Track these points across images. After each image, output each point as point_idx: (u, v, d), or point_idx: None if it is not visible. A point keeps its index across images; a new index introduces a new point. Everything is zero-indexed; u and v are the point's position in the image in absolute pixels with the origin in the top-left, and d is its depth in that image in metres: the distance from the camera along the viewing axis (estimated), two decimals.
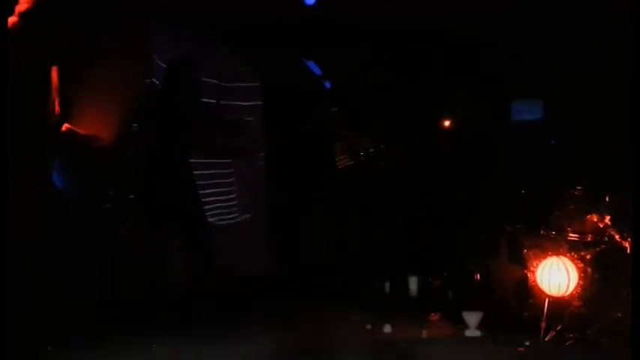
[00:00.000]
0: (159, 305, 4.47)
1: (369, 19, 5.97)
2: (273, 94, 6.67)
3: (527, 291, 4.59)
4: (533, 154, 5.82)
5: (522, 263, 4.70)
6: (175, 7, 5.38)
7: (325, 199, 6.47)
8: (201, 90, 4.69)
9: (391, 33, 6.27)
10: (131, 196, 4.82)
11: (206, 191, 6.01)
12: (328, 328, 4.76)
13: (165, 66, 4.87)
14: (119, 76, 4.97)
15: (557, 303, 4.38)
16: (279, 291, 5.84)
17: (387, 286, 6.03)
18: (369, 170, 6.66)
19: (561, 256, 4.43)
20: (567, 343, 4.21)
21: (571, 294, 4.38)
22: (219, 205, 6.30)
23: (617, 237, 4.44)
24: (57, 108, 4.12)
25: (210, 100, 5.23)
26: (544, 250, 4.58)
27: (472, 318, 4.56)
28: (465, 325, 4.57)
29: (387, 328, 4.66)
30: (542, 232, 4.80)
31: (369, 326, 4.72)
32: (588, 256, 4.48)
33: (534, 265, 4.53)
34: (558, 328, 4.29)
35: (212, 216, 6.15)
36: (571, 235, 4.64)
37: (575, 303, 4.38)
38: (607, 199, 4.55)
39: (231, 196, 6.47)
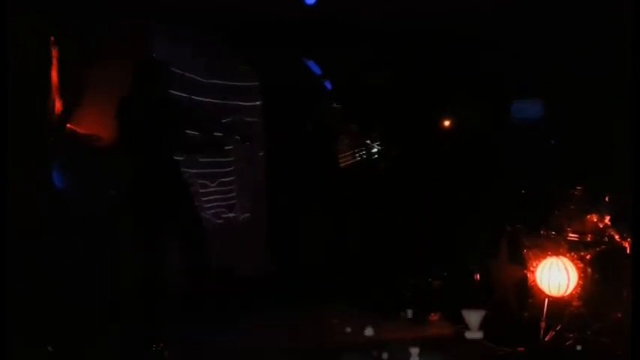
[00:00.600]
0: (158, 305, 4.46)
1: (369, 19, 5.97)
2: (273, 93, 6.66)
3: (527, 291, 4.59)
4: (533, 154, 5.81)
5: (522, 263, 4.70)
6: (175, 7, 5.38)
7: (325, 199, 6.46)
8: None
9: (391, 33, 6.27)
10: (113, 193, 4.82)
11: (206, 190, 6.02)
12: (328, 329, 4.76)
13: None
14: (119, 76, 4.97)
15: (557, 303, 4.37)
16: (278, 291, 5.84)
17: (388, 286, 6.02)
18: (369, 170, 6.65)
19: (561, 257, 4.43)
20: (567, 344, 4.21)
21: (571, 294, 4.38)
22: (219, 204, 6.30)
23: (617, 237, 4.44)
24: (57, 108, 4.13)
25: (210, 101, 5.22)
26: (544, 250, 4.58)
27: (473, 317, 4.40)
28: (464, 326, 4.55)
29: (369, 331, 4.57)
30: (542, 232, 4.80)
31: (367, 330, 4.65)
32: (588, 257, 4.48)
33: (534, 265, 4.53)
34: (558, 328, 4.29)
35: (212, 215, 6.16)
36: (571, 235, 4.64)
37: (575, 303, 4.38)
38: (607, 199, 4.55)
39: (230, 196, 6.48)
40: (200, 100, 6.02)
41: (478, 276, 5.24)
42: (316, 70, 6.66)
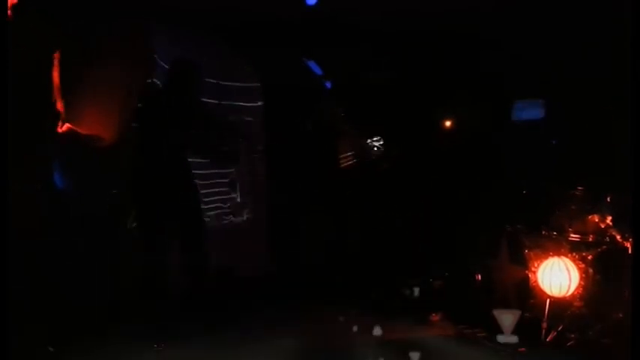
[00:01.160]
0: (158, 305, 4.46)
1: (370, 19, 5.97)
2: (274, 94, 6.66)
3: (528, 291, 4.58)
4: (534, 155, 5.81)
5: (523, 264, 4.69)
6: (176, 7, 5.37)
7: (325, 199, 6.46)
8: (202, 90, 4.69)
9: (391, 33, 6.26)
10: (115, 192, 4.82)
11: (206, 191, 6.01)
12: (328, 329, 4.76)
13: (166, 66, 4.86)
14: (120, 76, 4.96)
15: (559, 303, 4.37)
16: (278, 291, 5.84)
17: (388, 286, 6.02)
18: (369, 170, 6.65)
19: (562, 257, 4.43)
20: (568, 344, 4.20)
21: (572, 294, 4.38)
22: (219, 205, 6.30)
23: (618, 237, 4.43)
24: (57, 108, 4.12)
25: (210, 101, 5.22)
26: (545, 251, 4.57)
27: (507, 319, 4.03)
28: (465, 326, 4.53)
29: (377, 331, 4.51)
30: (543, 232, 4.79)
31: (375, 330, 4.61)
32: (589, 257, 4.48)
33: (535, 265, 4.53)
34: (559, 329, 4.29)
35: (212, 216, 6.15)
36: (572, 235, 4.64)
37: (577, 303, 4.37)
38: (608, 199, 4.55)
39: (231, 196, 6.47)
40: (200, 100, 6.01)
41: (479, 276, 5.23)
42: (316, 70, 6.66)
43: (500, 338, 4.06)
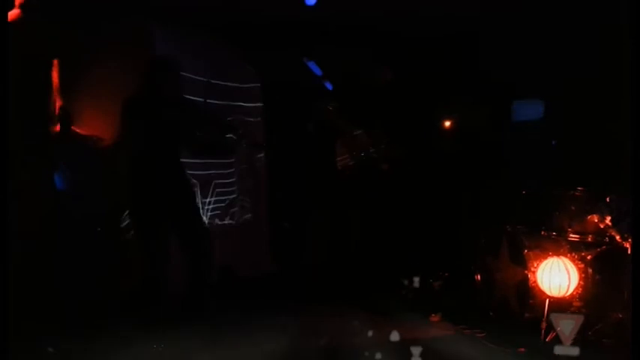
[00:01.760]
0: (159, 305, 4.46)
1: (370, 19, 5.97)
2: (274, 94, 6.66)
3: (527, 291, 4.59)
4: (533, 155, 5.81)
5: (523, 264, 4.69)
6: (176, 7, 5.38)
7: (326, 200, 6.46)
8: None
9: (391, 33, 6.27)
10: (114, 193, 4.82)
11: (207, 191, 6.02)
12: (328, 329, 4.76)
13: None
14: (119, 77, 4.97)
15: (558, 304, 4.37)
16: (279, 291, 5.84)
17: (388, 286, 6.03)
18: (370, 171, 6.65)
19: (562, 257, 4.43)
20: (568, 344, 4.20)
21: (572, 295, 4.38)
22: (219, 205, 6.30)
23: (617, 238, 4.43)
24: (58, 108, 4.13)
25: (196, 99, 5.21)
26: (545, 251, 4.58)
27: (567, 326, 3.53)
28: (465, 326, 4.52)
29: (395, 336, 4.34)
30: (542, 232, 4.80)
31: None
32: (589, 257, 4.48)
33: (535, 265, 4.53)
34: (559, 329, 4.28)
35: (213, 216, 6.16)
36: (572, 235, 4.64)
37: (576, 304, 4.37)
38: (608, 199, 4.55)
39: (231, 197, 6.47)
40: (200, 100, 6.01)
41: (479, 276, 5.24)
42: (317, 70, 6.66)
43: (558, 349, 3.57)
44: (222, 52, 6.43)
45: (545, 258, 4.47)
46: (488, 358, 4.14)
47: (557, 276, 4.36)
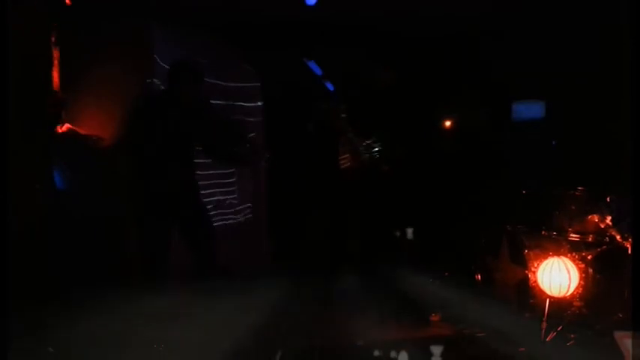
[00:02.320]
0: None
1: (370, 19, 5.97)
2: (274, 94, 6.66)
3: (528, 291, 4.59)
4: (534, 155, 5.81)
5: (523, 263, 4.69)
6: (176, 7, 5.37)
7: (326, 200, 6.45)
8: (203, 91, 4.67)
9: (391, 33, 6.27)
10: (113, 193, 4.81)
11: (207, 191, 6.01)
12: (327, 329, 4.76)
13: (167, 66, 4.85)
14: (120, 77, 4.97)
15: (559, 303, 4.37)
16: (278, 291, 5.83)
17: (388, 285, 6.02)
18: (370, 171, 6.65)
19: (562, 257, 4.43)
20: (568, 344, 4.21)
21: (572, 294, 4.38)
22: (219, 205, 6.30)
23: (618, 237, 4.44)
24: (58, 108, 4.13)
25: (216, 102, 5.21)
26: (545, 251, 4.58)
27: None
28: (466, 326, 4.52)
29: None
30: (543, 232, 4.80)
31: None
32: (589, 257, 4.48)
33: (535, 265, 4.53)
34: (559, 329, 4.29)
35: (213, 216, 6.15)
36: (572, 235, 4.64)
37: (576, 303, 4.38)
38: (608, 199, 4.55)
39: (232, 197, 6.47)
40: (201, 101, 6.01)
41: (479, 276, 5.24)
42: (317, 70, 6.65)
43: None
44: (222, 52, 6.42)
45: (546, 258, 4.47)
46: (488, 358, 4.13)
47: (557, 276, 4.36)
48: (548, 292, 4.39)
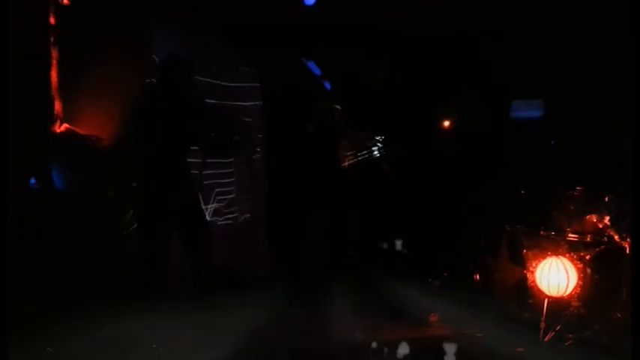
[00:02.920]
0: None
1: (370, 19, 5.98)
2: (274, 94, 6.67)
3: (526, 291, 4.59)
4: (533, 155, 5.82)
5: (522, 263, 4.70)
6: (176, 7, 5.38)
7: (326, 200, 6.46)
8: (196, 88, 4.66)
9: (391, 33, 6.27)
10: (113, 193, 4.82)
11: (205, 191, 6.01)
12: (327, 329, 4.76)
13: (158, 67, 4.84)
14: (119, 77, 4.97)
15: (557, 303, 4.38)
16: (278, 291, 5.84)
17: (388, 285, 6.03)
18: (370, 171, 6.66)
19: (561, 257, 4.44)
20: (567, 344, 4.21)
21: (570, 294, 4.38)
22: (219, 205, 6.30)
23: (616, 237, 4.44)
24: (57, 108, 4.14)
25: (209, 100, 5.20)
26: (543, 251, 4.58)
27: None
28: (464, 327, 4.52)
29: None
30: (541, 232, 4.80)
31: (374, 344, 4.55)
32: (588, 257, 4.49)
33: (534, 265, 4.54)
34: (558, 329, 4.29)
35: (212, 216, 6.16)
36: (570, 235, 4.65)
37: (575, 303, 4.38)
38: (607, 199, 4.56)
39: (231, 196, 6.48)
40: (200, 101, 6.01)
41: (478, 276, 5.25)
42: (316, 70, 6.67)
43: None
44: (222, 52, 6.43)
45: (544, 258, 4.48)
46: (487, 358, 4.14)
47: (555, 276, 4.37)
48: (546, 292, 4.40)
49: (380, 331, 4.66)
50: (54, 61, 4.09)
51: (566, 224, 4.69)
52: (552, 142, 5.83)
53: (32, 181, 3.89)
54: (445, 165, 6.53)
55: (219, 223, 6.26)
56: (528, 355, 4.09)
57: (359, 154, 6.64)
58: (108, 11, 5.01)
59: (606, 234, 4.52)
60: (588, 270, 4.44)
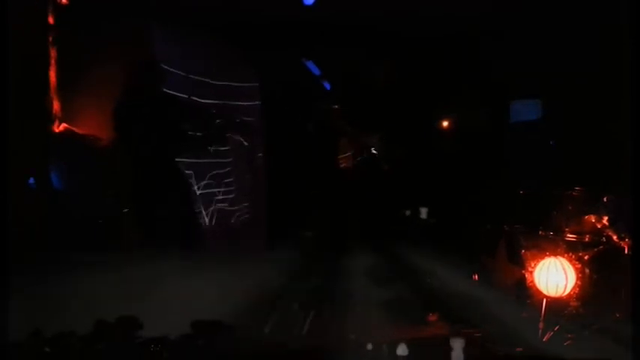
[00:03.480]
0: None
1: (370, 19, 5.98)
2: (274, 94, 6.67)
3: (525, 291, 4.59)
4: (533, 155, 5.81)
5: (520, 263, 4.70)
6: (176, 7, 5.39)
7: (326, 200, 6.47)
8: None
9: (390, 33, 6.27)
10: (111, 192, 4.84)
11: (206, 191, 6.02)
12: (327, 329, 4.77)
13: (165, 66, 4.86)
14: (119, 77, 4.98)
15: (555, 303, 4.38)
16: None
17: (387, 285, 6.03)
18: (370, 171, 6.67)
19: (559, 257, 4.43)
20: (565, 343, 4.21)
21: (569, 294, 4.38)
22: (218, 205, 6.31)
23: (614, 237, 4.44)
24: (56, 108, 4.15)
25: (216, 101, 5.21)
26: (542, 251, 4.58)
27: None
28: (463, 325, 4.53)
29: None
30: (540, 232, 4.80)
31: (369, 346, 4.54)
32: (586, 257, 4.49)
33: (532, 265, 4.53)
34: (556, 329, 4.29)
35: (212, 215, 6.16)
36: (569, 235, 4.65)
37: (573, 303, 4.38)
38: (605, 199, 4.56)
39: (230, 196, 6.48)
40: (200, 100, 6.03)
41: (477, 276, 5.25)
42: (316, 70, 6.67)
43: None
44: (222, 52, 6.43)
45: (543, 258, 4.47)
46: (487, 358, 4.13)
47: (554, 276, 4.36)
48: (545, 292, 4.39)
49: (378, 330, 4.65)
50: (53, 61, 4.10)
51: (565, 224, 4.69)
52: (551, 142, 5.83)
53: (32, 180, 3.90)
54: (443, 165, 6.53)
55: (218, 222, 6.26)
56: (527, 355, 4.08)
57: (359, 154, 6.64)
58: (108, 11, 5.01)
59: (605, 234, 4.52)
60: (587, 270, 4.44)
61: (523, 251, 4.69)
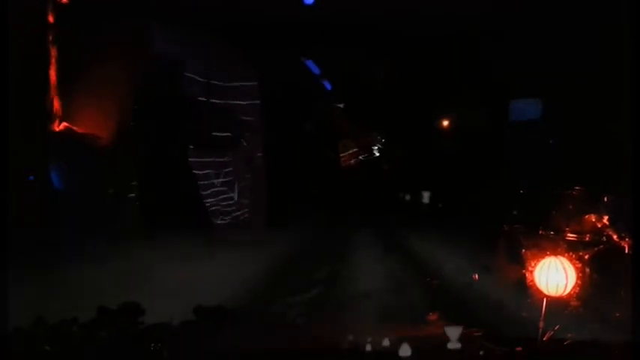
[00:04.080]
0: None
1: (370, 19, 5.98)
2: (274, 94, 6.67)
3: (525, 291, 4.59)
4: (533, 154, 5.82)
5: (521, 263, 4.70)
6: (176, 7, 5.39)
7: (326, 199, 6.48)
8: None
9: (392, 33, 6.28)
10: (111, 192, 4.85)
11: (205, 192, 6.03)
12: (326, 329, 4.75)
13: (167, 66, 4.87)
14: (119, 76, 4.99)
15: (556, 303, 4.37)
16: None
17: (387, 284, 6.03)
18: (370, 171, 6.67)
19: (559, 256, 4.42)
20: (565, 343, 4.20)
21: (569, 294, 4.37)
22: (218, 205, 6.31)
23: (615, 237, 4.44)
24: (57, 107, 4.15)
25: (216, 101, 5.22)
26: (542, 250, 4.57)
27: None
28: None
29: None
30: (540, 232, 4.80)
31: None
32: (586, 256, 4.48)
33: (532, 265, 4.53)
34: (556, 328, 4.29)
35: (212, 215, 6.17)
36: (569, 235, 4.64)
37: (574, 303, 4.38)
38: (605, 199, 4.55)
39: (230, 196, 6.48)
40: (201, 99, 6.03)
41: (477, 276, 5.24)
42: (316, 70, 6.67)
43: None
44: (222, 52, 6.43)
45: (543, 257, 4.46)
46: (487, 358, 4.13)
47: (554, 275, 4.35)
48: (545, 291, 4.38)
49: (378, 330, 4.64)
50: (53, 61, 4.10)
51: (565, 224, 4.69)
52: (551, 142, 5.83)
53: (31, 178, 3.91)
54: (443, 164, 6.53)
55: (218, 222, 6.27)
56: (527, 355, 4.08)
57: (359, 154, 6.65)
58: (108, 11, 5.02)
59: (605, 234, 4.51)
60: (587, 269, 4.43)
61: (523, 251, 4.69)
